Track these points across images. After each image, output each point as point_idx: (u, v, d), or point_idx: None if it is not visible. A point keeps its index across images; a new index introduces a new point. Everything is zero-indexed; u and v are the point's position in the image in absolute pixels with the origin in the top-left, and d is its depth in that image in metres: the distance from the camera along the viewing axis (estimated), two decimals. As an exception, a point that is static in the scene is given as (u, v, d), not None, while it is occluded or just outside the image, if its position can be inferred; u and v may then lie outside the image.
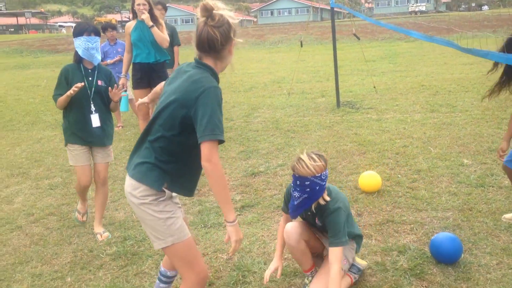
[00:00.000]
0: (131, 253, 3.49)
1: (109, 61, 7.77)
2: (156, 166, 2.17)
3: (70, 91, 3.51)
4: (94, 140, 3.75)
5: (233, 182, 4.89)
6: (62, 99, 3.57)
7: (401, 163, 5.13)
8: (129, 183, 2.22)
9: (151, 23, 5.31)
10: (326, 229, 2.71)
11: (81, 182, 3.78)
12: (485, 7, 74.55)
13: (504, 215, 3.62)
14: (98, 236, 3.80)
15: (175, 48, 7.04)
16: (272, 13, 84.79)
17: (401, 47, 22.39)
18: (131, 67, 5.83)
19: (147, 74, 5.56)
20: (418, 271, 3.00)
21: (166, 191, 2.19)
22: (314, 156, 2.54)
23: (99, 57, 3.69)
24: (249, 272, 3.13)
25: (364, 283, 2.94)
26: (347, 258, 2.81)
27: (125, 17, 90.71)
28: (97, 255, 3.50)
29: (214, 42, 2.12)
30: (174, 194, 2.29)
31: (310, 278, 2.83)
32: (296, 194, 2.56)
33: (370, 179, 4.33)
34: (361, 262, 2.99)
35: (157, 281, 2.71)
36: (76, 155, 3.71)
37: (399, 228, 3.63)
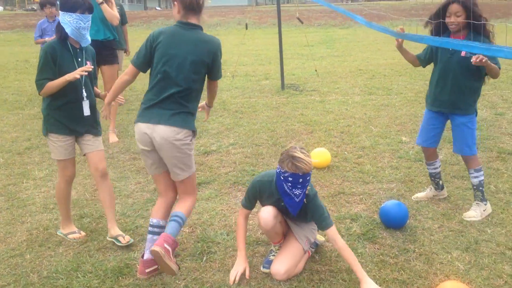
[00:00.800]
0: (89, 230, 3.48)
1: (47, 38, 7.44)
2: (190, 113, 2.81)
3: (75, 75, 2.99)
4: (87, 129, 3.25)
5: (186, 161, 4.93)
6: (55, 84, 3.02)
7: (346, 141, 5.42)
8: (170, 130, 2.69)
9: (100, 0, 5.18)
10: (304, 217, 2.86)
11: (65, 176, 3.29)
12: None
13: (416, 195, 3.88)
14: (120, 238, 3.21)
15: (124, 27, 6.88)
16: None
17: (337, 33, 23.06)
18: None
19: (97, 52, 5.42)
20: (370, 236, 3.26)
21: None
22: (303, 151, 2.63)
23: (89, 38, 3.26)
24: (213, 243, 3.25)
25: (323, 248, 3.15)
26: (309, 238, 2.97)
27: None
28: (54, 233, 3.45)
29: (201, 3, 2.74)
30: None
31: (277, 247, 2.97)
32: (297, 191, 2.61)
33: (320, 155, 4.56)
34: (320, 239, 3.18)
35: (150, 235, 2.87)
36: (59, 146, 3.17)
37: (350, 199, 3.88)
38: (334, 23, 29.21)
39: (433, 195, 3.84)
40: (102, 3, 5.20)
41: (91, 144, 3.29)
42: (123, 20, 6.97)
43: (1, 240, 3.36)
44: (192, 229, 3.48)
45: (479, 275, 2.79)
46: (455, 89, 3.40)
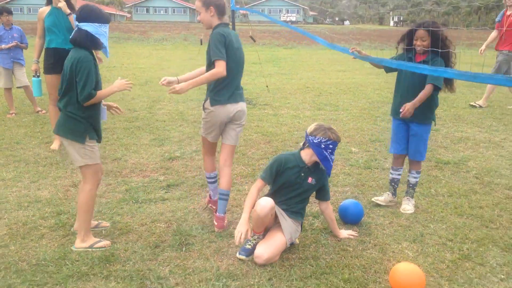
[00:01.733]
0: (69, 225, 3.63)
1: (4, 46, 7.40)
2: None
3: (126, 87, 3.28)
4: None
5: (153, 165, 5.16)
6: (103, 94, 3.20)
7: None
8: (245, 104, 3.77)
9: (68, 11, 5.35)
10: (314, 188, 3.43)
11: (97, 180, 3.36)
12: (347, 22, 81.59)
13: (376, 197, 4.26)
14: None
15: None
16: (148, 11, 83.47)
17: (281, 52, 23.92)
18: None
19: (62, 60, 5.52)
20: (329, 230, 3.65)
21: None
22: None
23: None
24: (189, 236, 3.51)
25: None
26: (292, 236, 3.31)
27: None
28: (34, 227, 3.58)
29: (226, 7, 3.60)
30: None
31: (255, 237, 3.28)
32: (333, 157, 3.29)
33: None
34: (296, 241, 3.51)
35: (210, 184, 3.94)
36: (95, 151, 3.28)
37: (311, 199, 4.25)
38: (278, 43, 30.19)
39: (389, 200, 4.19)
40: (70, 14, 5.37)
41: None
42: None
43: (-19, 234, 3.44)
44: (168, 224, 3.72)
45: (426, 261, 3.25)
46: (410, 98, 3.78)
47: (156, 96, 9.55)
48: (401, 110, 3.73)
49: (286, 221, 3.31)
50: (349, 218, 3.78)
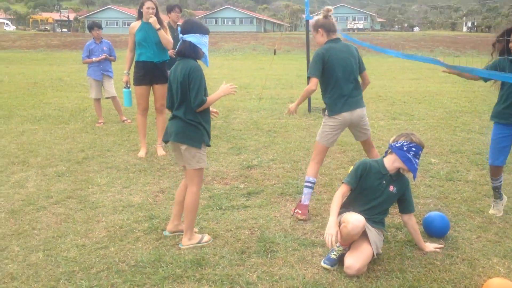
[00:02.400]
0: (161, 229, 3.86)
1: (94, 58, 7.97)
2: None
3: (232, 91, 3.55)
4: None
5: (233, 173, 5.34)
6: (213, 99, 3.44)
7: (379, 160, 5.80)
8: (362, 110, 4.17)
9: (158, 26, 5.69)
10: (394, 198, 3.45)
11: (202, 182, 3.68)
12: (417, 28, 79.18)
13: (490, 210, 4.18)
14: None
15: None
16: (216, 22, 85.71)
17: (351, 61, 23.69)
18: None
19: (150, 72, 5.92)
20: (414, 243, 3.61)
21: None
22: None
23: None
24: (273, 243, 3.61)
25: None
26: (378, 245, 3.30)
27: (64, 16, 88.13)
28: (129, 230, 3.84)
29: (335, 25, 4.10)
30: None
31: (341, 248, 3.29)
32: (417, 160, 3.34)
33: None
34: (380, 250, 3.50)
35: (307, 188, 4.12)
36: (205, 155, 3.56)
37: (391, 211, 4.23)
38: (347, 52, 29.95)
39: (501, 206, 4.15)
40: (159, 29, 5.71)
41: None
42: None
43: (84, 235, 3.75)
44: (252, 231, 3.85)
45: (519, 277, 3.14)
46: None
47: (231, 106, 9.83)
48: None
49: (370, 231, 3.32)
50: (435, 231, 3.72)
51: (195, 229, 3.80)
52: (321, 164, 4.32)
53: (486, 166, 5.50)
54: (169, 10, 7.80)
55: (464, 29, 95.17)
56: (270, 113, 8.98)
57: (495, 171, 4.02)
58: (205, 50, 3.49)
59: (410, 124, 7.94)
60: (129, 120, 8.29)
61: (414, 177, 3.38)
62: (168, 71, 6.92)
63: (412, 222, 3.50)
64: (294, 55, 29.01)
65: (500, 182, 4.09)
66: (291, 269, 3.23)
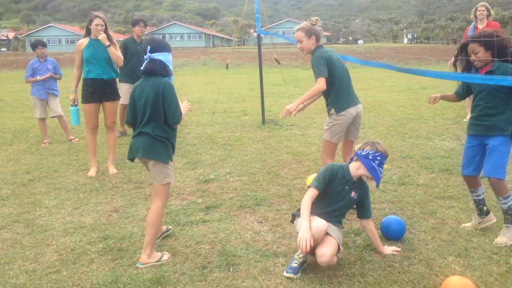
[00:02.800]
0: (116, 249, 3.72)
1: (39, 77, 7.69)
2: None
3: (190, 109, 3.70)
4: None
5: (189, 188, 5.25)
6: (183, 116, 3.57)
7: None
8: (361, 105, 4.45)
9: (108, 43, 5.57)
10: (354, 203, 3.52)
11: (168, 197, 3.79)
12: (361, 41, 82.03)
13: (464, 225, 4.09)
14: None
15: None
16: (164, 37, 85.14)
17: (300, 73, 24.15)
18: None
19: (100, 89, 5.76)
20: (373, 247, 3.66)
21: None
22: None
23: None
24: (234, 257, 3.55)
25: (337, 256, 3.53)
26: (339, 241, 3.33)
27: (3, 35, 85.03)
28: (83, 252, 3.67)
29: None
30: None
31: (301, 256, 3.29)
32: (381, 169, 3.38)
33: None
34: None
35: None
36: (172, 170, 3.60)
37: (349, 217, 4.29)
38: (296, 64, 30.48)
39: (479, 222, 3.95)
40: (109, 45, 5.59)
41: None
42: None
43: (34, 260, 3.54)
44: (212, 245, 3.78)
45: (474, 274, 3.23)
46: (492, 111, 3.60)
47: (184, 120, 9.69)
48: None
49: (330, 226, 3.35)
50: (392, 234, 3.79)
51: (169, 227, 3.94)
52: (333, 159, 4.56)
53: (435, 169, 5.72)
54: (134, 24, 7.80)
55: (405, 40, 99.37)
56: (224, 126, 8.95)
57: (467, 181, 3.96)
58: (171, 67, 3.55)
59: (362, 132, 8.11)
60: (76, 139, 8.02)
61: (377, 185, 3.45)
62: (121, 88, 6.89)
63: (370, 226, 3.56)
64: (244, 68, 29.21)
65: (479, 196, 3.93)
66: (254, 281, 3.19)
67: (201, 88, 16.35)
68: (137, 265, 3.41)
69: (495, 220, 3.98)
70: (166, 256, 3.53)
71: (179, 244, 3.80)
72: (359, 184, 3.50)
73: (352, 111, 4.32)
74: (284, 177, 5.60)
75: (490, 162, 3.63)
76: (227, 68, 10.11)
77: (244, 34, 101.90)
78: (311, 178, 5.04)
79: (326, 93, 4.35)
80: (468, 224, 4.04)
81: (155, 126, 3.43)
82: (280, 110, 10.70)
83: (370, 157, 3.36)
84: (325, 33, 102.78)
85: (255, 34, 9.05)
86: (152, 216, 3.48)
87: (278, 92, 13.89)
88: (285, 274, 3.25)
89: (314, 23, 4.36)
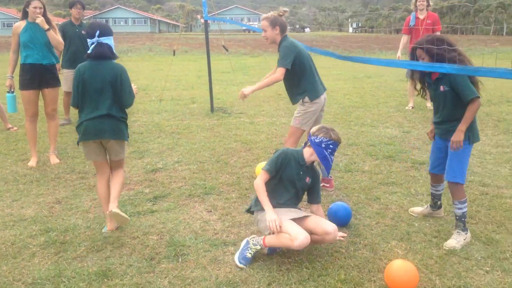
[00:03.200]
0: (59, 242, 3.58)
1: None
2: None
3: (136, 92, 3.98)
4: None
5: (136, 178, 5.13)
6: None
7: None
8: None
9: (47, 26, 5.29)
10: (307, 188, 3.53)
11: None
12: (307, 29, 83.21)
13: (411, 209, 4.21)
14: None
15: None
16: (107, 22, 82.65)
17: (248, 61, 24.12)
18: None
19: (39, 75, 5.47)
20: (321, 233, 3.73)
21: None
22: None
23: None
24: (183, 246, 3.52)
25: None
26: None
27: None
28: (23, 246, 3.51)
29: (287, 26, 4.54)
30: None
31: (260, 248, 3.31)
32: (332, 157, 3.37)
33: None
34: None
35: None
36: None
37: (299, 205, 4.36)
38: (244, 52, 30.40)
39: (428, 213, 4.10)
40: (48, 29, 5.32)
41: None
42: None
43: (-31, 256, 3.35)
44: (160, 236, 3.72)
45: (415, 257, 3.38)
46: (445, 117, 3.63)
47: (130, 108, 9.44)
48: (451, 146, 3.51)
49: (298, 210, 3.48)
50: (339, 220, 3.88)
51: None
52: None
53: (379, 156, 5.90)
54: (71, 6, 7.49)
55: (350, 29, 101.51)
56: (172, 114, 8.80)
57: (432, 178, 4.01)
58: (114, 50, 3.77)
59: (309, 120, 8.24)
60: (15, 128, 7.62)
61: (328, 174, 3.51)
62: (61, 73, 6.59)
63: (320, 212, 3.62)
64: (192, 55, 28.76)
65: (438, 191, 3.98)
66: (204, 271, 3.17)
67: (147, 75, 15.96)
68: (112, 211, 3.54)
69: (443, 215, 4.13)
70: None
71: (126, 236, 3.71)
72: (312, 169, 3.53)
73: (322, 98, 4.51)
74: (233, 165, 5.59)
75: (449, 166, 3.63)
76: (174, 55, 9.92)
77: (191, 20, 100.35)
78: (260, 166, 5.06)
79: (297, 82, 4.42)
80: (418, 210, 4.16)
81: (118, 109, 3.67)
82: (229, 98, 10.71)
83: (323, 145, 3.32)
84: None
85: (202, 20, 8.90)
86: (121, 179, 3.84)
87: (226, 80, 13.81)
88: (238, 264, 3.23)
89: (281, 14, 4.42)
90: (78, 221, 3.99)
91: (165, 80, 13.10)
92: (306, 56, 4.43)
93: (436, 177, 3.96)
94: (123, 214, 3.60)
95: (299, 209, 3.54)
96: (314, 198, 3.60)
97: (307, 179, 3.48)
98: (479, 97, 3.40)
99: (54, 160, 5.69)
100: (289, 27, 5.05)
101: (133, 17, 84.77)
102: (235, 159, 5.83)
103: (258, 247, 3.30)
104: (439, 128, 3.74)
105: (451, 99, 3.53)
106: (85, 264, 3.24)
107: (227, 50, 9.18)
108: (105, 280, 3.04)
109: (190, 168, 5.46)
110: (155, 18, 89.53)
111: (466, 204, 3.62)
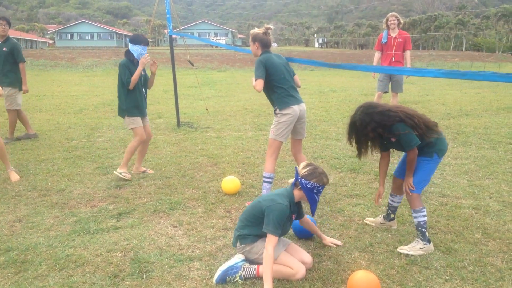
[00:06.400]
0: (20, 261, 3.49)
1: None
2: None
3: (148, 61, 5.48)
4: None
5: (100, 194, 5.05)
6: (135, 76, 5.37)
7: (248, 170, 5.98)
8: (304, 105, 4.77)
9: None
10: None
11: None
12: (275, 44, 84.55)
13: (367, 218, 4.38)
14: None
15: (21, 65, 6.94)
16: (72, 36, 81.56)
17: (216, 75, 24.17)
18: None
19: None
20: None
21: None
22: None
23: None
24: (148, 263, 3.49)
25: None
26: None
27: None
28: (-18, 267, 3.40)
29: (270, 43, 4.74)
30: None
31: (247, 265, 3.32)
32: (319, 198, 3.41)
33: (231, 183, 5.04)
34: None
35: (267, 184, 4.63)
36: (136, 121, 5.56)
37: (263, 218, 4.38)
38: (211, 66, 30.45)
39: (380, 223, 4.20)
40: None
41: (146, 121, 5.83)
42: (19, 58, 7.08)
43: None
44: (124, 253, 3.67)
45: (377, 268, 3.45)
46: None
47: (94, 124, 9.33)
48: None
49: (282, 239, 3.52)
50: (304, 233, 3.93)
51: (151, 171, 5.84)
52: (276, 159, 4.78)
53: (343, 169, 6.02)
54: None
55: (316, 45, 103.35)
56: (137, 129, 8.72)
57: (393, 184, 4.11)
58: (136, 55, 5.46)
59: (275, 134, 8.33)
60: None
61: (313, 214, 3.54)
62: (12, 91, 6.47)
63: (306, 221, 3.73)
64: (159, 70, 28.59)
65: (394, 201, 4.12)
66: (168, 287, 3.15)
67: (112, 90, 15.75)
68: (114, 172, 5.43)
69: (395, 227, 4.23)
70: (128, 175, 5.54)
71: (89, 253, 3.64)
72: (298, 205, 3.57)
73: (295, 108, 4.57)
74: (199, 180, 5.58)
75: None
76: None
77: (158, 35, 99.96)
78: (226, 180, 5.08)
79: (269, 93, 4.67)
80: (371, 219, 4.31)
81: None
82: (195, 112, 10.70)
83: (315, 191, 3.32)
84: (240, 36, 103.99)
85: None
86: (128, 146, 5.56)
87: (193, 94, 13.80)
88: (215, 278, 3.19)
89: (264, 31, 4.70)
90: (39, 240, 3.89)
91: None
92: (279, 69, 4.56)
93: (396, 183, 4.07)
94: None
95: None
96: (299, 215, 3.64)
97: (294, 217, 3.52)
98: (413, 148, 3.59)
99: (14, 177, 5.54)
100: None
101: (99, 31, 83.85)
102: (201, 174, 5.82)
103: (252, 276, 3.27)
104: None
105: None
106: (47, 283, 3.16)
107: (192, 64, 9.19)
108: (67, 299, 2.97)
109: (156, 184, 5.42)
110: (121, 32, 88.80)
111: (423, 213, 3.72)
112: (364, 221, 4.33)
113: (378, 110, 3.58)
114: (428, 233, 3.84)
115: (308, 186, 3.30)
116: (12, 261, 3.48)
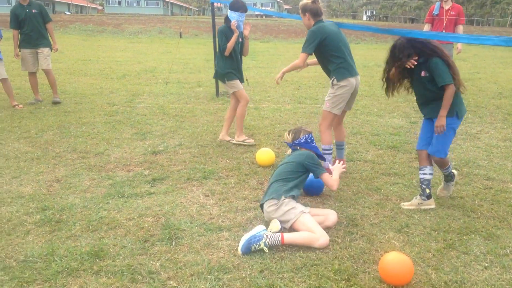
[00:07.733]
0: (55, 221, 3.57)
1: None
2: None
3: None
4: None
5: (137, 159, 5.11)
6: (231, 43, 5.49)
7: (284, 144, 5.88)
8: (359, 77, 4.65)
9: None
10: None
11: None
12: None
13: (402, 203, 4.16)
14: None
15: (49, 25, 7.29)
16: (120, 3, 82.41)
17: (258, 46, 23.92)
18: None
19: None
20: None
21: None
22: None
23: (241, 25, 5.63)
24: (178, 230, 3.49)
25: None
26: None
27: None
28: (19, 223, 3.51)
29: (321, 11, 4.53)
30: None
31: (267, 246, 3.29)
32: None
33: (266, 154, 4.96)
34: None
35: (328, 156, 4.58)
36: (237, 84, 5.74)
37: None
38: (254, 37, 30.13)
39: (418, 203, 4.03)
40: None
41: None
42: (47, 19, 7.32)
43: (-36, 232, 3.35)
44: (156, 218, 3.70)
45: (412, 250, 3.32)
46: (424, 100, 3.96)
47: (135, 90, 9.43)
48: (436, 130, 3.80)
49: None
50: (312, 188, 4.24)
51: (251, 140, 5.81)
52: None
53: (383, 146, 5.82)
54: None
55: (364, 17, 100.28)
56: (177, 97, 8.75)
57: (419, 157, 4.09)
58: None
59: (315, 107, 8.16)
60: (21, 105, 7.61)
61: (320, 159, 3.75)
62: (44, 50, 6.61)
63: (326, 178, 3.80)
64: (202, 39, 28.58)
65: (425, 173, 4.02)
66: (197, 255, 3.15)
67: (155, 57, 15.88)
68: (233, 143, 5.65)
69: (433, 206, 4.06)
70: (251, 140, 5.77)
71: (121, 217, 3.69)
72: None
73: (352, 81, 4.45)
74: (234, 150, 5.54)
75: (434, 144, 3.92)
76: (180, 37, 9.84)
77: (203, 4, 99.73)
78: (260, 152, 5.01)
79: (325, 64, 4.53)
80: (407, 203, 4.08)
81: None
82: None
83: (309, 140, 3.83)
84: (286, 6, 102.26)
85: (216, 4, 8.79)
86: (238, 111, 5.76)
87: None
88: (239, 249, 3.17)
89: (313, 0, 4.50)
90: (75, 200, 3.98)
91: (172, 62, 13.03)
92: (336, 39, 4.39)
93: (422, 155, 4.07)
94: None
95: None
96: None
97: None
98: (451, 83, 3.68)
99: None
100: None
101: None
102: (236, 144, 5.77)
103: (268, 244, 3.23)
104: (424, 109, 4.02)
105: (431, 83, 3.79)
106: (78, 244, 3.23)
107: (180, 36, 9.09)
108: (97, 260, 3.02)
109: (191, 152, 5.42)
110: (168, 0, 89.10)
111: (449, 166, 4.05)
112: (400, 206, 4.10)
113: (421, 40, 3.77)
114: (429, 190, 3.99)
115: (302, 141, 3.80)
116: (48, 220, 3.57)
